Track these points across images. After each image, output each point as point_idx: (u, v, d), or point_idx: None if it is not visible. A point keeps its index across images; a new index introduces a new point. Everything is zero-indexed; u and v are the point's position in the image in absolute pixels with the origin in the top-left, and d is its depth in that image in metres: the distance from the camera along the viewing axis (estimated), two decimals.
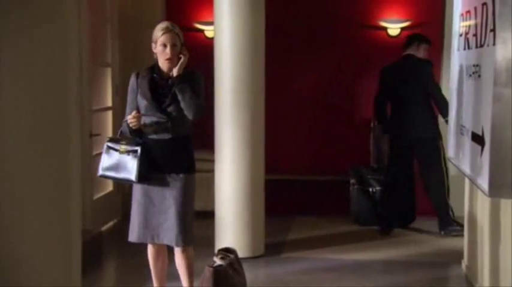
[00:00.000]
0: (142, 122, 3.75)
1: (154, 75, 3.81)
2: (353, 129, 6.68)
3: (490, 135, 2.76)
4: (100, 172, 3.82)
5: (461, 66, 3.76)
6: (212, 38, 5.38)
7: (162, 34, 3.73)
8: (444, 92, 5.72)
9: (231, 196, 5.15)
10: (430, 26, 6.54)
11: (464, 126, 3.53)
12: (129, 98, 3.88)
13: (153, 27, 3.84)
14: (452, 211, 5.79)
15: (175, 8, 6.78)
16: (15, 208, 2.33)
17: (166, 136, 3.77)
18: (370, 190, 6.22)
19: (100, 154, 3.89)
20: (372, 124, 6.50)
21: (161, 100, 3.78)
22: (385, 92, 5.99)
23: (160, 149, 3.77)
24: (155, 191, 3.79)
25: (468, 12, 3.52)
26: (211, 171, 5.37)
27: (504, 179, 2.67)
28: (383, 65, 6.14)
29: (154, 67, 3.84)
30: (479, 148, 2.99)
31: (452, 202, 5.84)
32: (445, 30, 6.29)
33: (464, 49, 3.64)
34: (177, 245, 3.80)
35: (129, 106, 3.86)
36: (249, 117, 5.12)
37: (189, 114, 3.76)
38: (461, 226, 5.26)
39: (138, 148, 3.71)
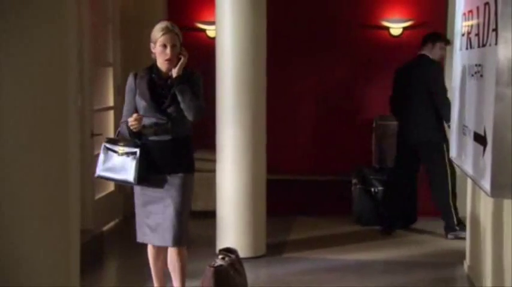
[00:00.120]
0: (141, 125, 3.71)
1: (153, 75, 3.78)
2: (355, 129, 6.66)
3: (492, 135, 2.74)
4: (98, 173, 3.79)
5: (463, 66, 3.75)
6: (214, 38, 5.37)
7: (162, 35, 3.69)
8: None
9: (233, 195, 5.14)
10: (432, 26, 6.51)
11: (466, 127, 3.52)
12: (127, 98, 3.83)
13: (154, 27, 3.80)
14: (456, 213, 5.73)
15: (177, 7, 6.78)
16: (13, 208, 2.33)
17: (166, 137, 3.74)
18: (372, 190, 6.21)
19: None
20: (373, 124, 6.48)
21: (160, 101, 3.74)
22: (397, 92, 5.96)
23: (159, 150, 3.75)
24: (154, 192, 3.76)
25: (470, 11, 3.51)
26: (212, 171, 5.36)
27: (506, 180, 2.66)
28: (385, 65, 6.13)
29: (153, 67, 3.80)
30: (482, 148, 2.98)
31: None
32: (447, 30, 6.27)
33: (467, 49, 3.63)
34: (172, 246, 3.77)
35: (127, 107, 3.82)
36: (251, 117, 5.11)
37: (189, 115, 3.73)
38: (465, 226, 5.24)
39: (137, 150, 3.68)
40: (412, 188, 6.07)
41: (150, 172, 3.72)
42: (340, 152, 6.65)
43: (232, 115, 5.11)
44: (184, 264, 3.83)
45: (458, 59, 3.98)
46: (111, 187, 6.09)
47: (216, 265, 3.78)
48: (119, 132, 3.85)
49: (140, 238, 3.88)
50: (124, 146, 3.71)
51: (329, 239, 5.77)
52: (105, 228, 5.84)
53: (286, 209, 6.45)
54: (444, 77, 5.87)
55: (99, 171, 3.78)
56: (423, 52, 5.83)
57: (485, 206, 4.22)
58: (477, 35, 3.24)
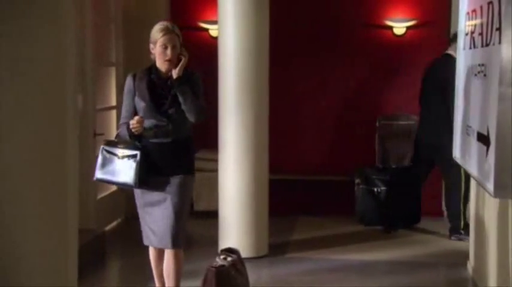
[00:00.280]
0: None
1: (152, 76, 3.72)
2: (358, 129, 6.64)
3: (495, 136, 2.73)
4: (96, 176, 3.74)
5: (467, 66, 3.73)
6: (217, 38, 5.35)
7: (163, 35, 3.64)
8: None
9: (235, 195, 5.13)
10: (436, 25, 6.50)
11: (470, 127, 3.50)
12: (126, 100, 3.77)
13: (153, 27, 3.73)
14: (465, 217, 5.68)
15: (180, 7, 6.77)
16: (11, 207, 2.32)
17: (166, 139, 3.69)
18: (375, 190, 6.19)
19: None
20: (377, 124, 6.47)
21: (160, 102, 3.69)
22: (422, 91, 5.91)
23: (160, 152, 3.69)
24: (154, 194, 3.72)
25: (474, 11, 3.49)
26: (214, 170, 5.36)
27: (510, 180, 2.64)
28: (388, 64, 6.09)
29: (152, 68, 3.74)
30: (485, 148, 2.96)
31: None
32: (451, 29, 6.24)
33: (470, 48, 3.61)
34: (170, 248, 3.72)
35: (126, 108, 3.76)
36: (253, 116, 5.10)
37: (191, 117, 3.68)
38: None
39: (138, 153, 3.62)
40: (416, 189, 6.05)
41: (150, 175, 3.67)
42: (343, 152, 6.63)
43: (234, 115, 5.10)
44: (180, 267, 3.78)
45: (461, 59, 3.96)
46: (113, 187, 6.07)
47: (218, 265, 3.76)
48: (117, 134, 3.80)
49: (145, 241, 3.85)
50: (124, 148, 3.65)
51: (332, 239, 5.75)
52: (107, 228, 5.83)
53: (289, 209, 6.43)
54: None
55: (98, 174, 3.73)
56: (449, 52, 5.65)
57: (489, 207, 4.19)
58: (481, 34, 3.22)
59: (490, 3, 2.96)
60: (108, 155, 3.67)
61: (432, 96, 5.65)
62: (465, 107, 3.73)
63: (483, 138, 3.02)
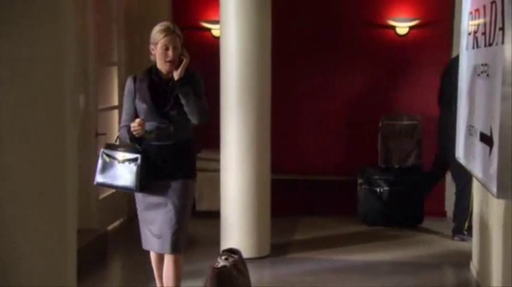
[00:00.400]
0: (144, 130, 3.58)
1: (153, 77, 3.65)
2: (361, 128, 6.63)
3: (498, 136, 2.71)
4: (96, 180, 3.67)
5: (470, 66, 3.71)
6: (219, 37, 5.34)
7: (164, 36, 3.57)
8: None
9: (237, 195, 5.12)
10: (439, 25, 6.48)
11: (473, 127, 3.48)
12: (126, 103, 3.70)
13: (154, 28, 3.67)
14: (470, 219, 5.64)
15: (182, 6, 6.76)
16: (11, 208, 2.32)
17: (168, 141, 3.63)
18: (378, 190, 6.18)
19: None
20: (379, 124, 6.45)
21: (162, 104, 3.62)
22: (441, 90, 5.87)
23: (161, 155, 3.63)
24: (155, 198, 3.66)
25: (477, 10, 3.47)
26: (216, 170, 5.35)
27: None
28: (391, 64, 6.06)
29: (152, 69, 3.68)
30: (488, 148, 2.94)
31: None
32: (454, 29, 6.22)
33: (473, 48, 3.59)
34: (169, 253, 3.67)
35: (126, 111, 3.70)
36: (255, 116, 5.09)
37: (193, 119, 3.62)
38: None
39: (139, 156, 3.56)
40: (419, 188, 6.03)
41: (151, 178, 3.61)
42: (346, 152, 6.62)
43: (236, 115, 5.09)
44: (179, 271, 3.73)
45: (464, 59, 3.94)
46: None
47: (219, 265, 3.75)
48: (118, 137, 3.73)
49: (145, 245, 3.80)
50: (124, 152, 3.59)
51: (334, 240, 5.74)
52: (110, 228, 5.83)
53: (291, 209, 6.42)
54: None
55: (98, 178, 3.66)
56: None
57: (492, 207, 4.17)
58: (484, 34, 3.21)
59: (493, 2, 2.94)
60: (108, 159, 3.60)
61: (447, 95, 5.60)
62: (468, 107, 3.72)
63: (486, 139, 3.00)
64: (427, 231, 6.01)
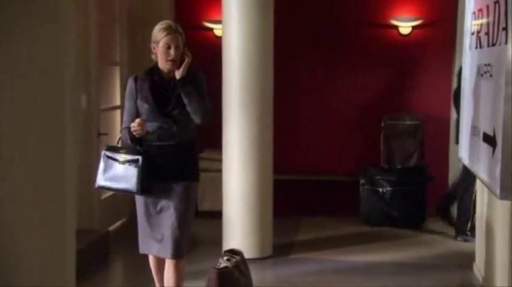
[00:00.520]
0: (145, 130, 3.51)
1: (155, 77, 3.59)
2: (363, 128, 6.61)
3: (501, 137, 2.69)
4: (98, 183, 3.60)
5: (473, 66, 3.70)
6: (221, 37, 5.33)
7: (166, 35, 3.51)
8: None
9: (239, 196, 5.11)
10: (442, 25, 6.46)
11: (476, 127, 3.47)
12: (128, 104, 3.64)
13: (155, 26, 3.62)
14: (473, 219, 5.62)
15: (184, 6, 6.75)
16: (10, 207, 2.32)
17: (170, 142, 3.56)
18: (380, 190, 6.16)
19: None
20: (382, 124, 6.43)
21: (164, 103, 3.56)
22: (458, 86, 5.83)
23: (163, 155, 3.56)
24: (156, 201, 3.60)
25: (480, 10, 3.46)
26: (219, 170, 5.33)
27: None
28: (394, 64, 6.04)
29: (154, 69, 3.62)
30: (491, 149, 2.93)
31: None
32: (457, 29, 6.20)
33: (476, 48, 3.57)
34: (171, 258, 3.61)
35: (128, 113, 3.63)
36: (257, 116, 5.08)
37: (196, 118, 3.56)
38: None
39: (140, 157, 3.49)
40: (422, 188, 6.01)
41: (153, 180, 3.54)
42: (348, 152, 6.60)
43: (238, 115, 5.08)
44: (180, 276, 3.68)
45: (468, 59, 3.93)
46: None
47: (221, 266, 3.74)
48: (119, 139, 3.66)
49: (145, 250, 3.71)
50: (125, 153, 3.52)
51: (336, 240, 5.73)
52: (111, 228, 5.82)
53: (293, 210, 6.41)
54: (451, 76, 5.79)
55: (99, 181, 3.59)
56: None
57: (495, 208, 4.15)
58: (487, 34, 3.19)
59: (496, 2, 2.92)
60: (109, 161, 3.53)
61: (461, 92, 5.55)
62: (471, 107, 3.70)
63: (489, 139, 2.99)
64: (430, 232, 6.00)
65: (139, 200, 3.66)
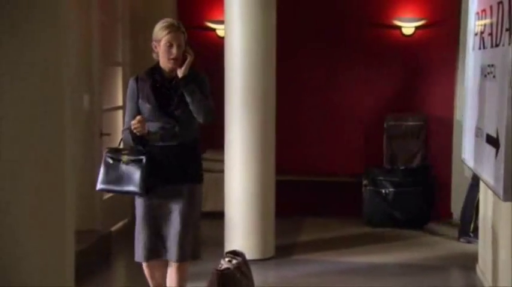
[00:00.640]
0: (146, 128, 3.43)
1: (156, 76, 3.52)
2: (366, 129, 6.60)
3: (505, 138, 2.67)
4: (99, 186, 3.47)
5: (476, 66, 3.68)
6: (224, 37, 5.32)
7: (168, 33, 3.43)
8: (460, 92, 5.62)
9: (241, 196, 5.10)
10: (445, 25, 6.44)
11: (479, 128, 3.45)
12: (129, 105, 3.57)
13: (157, 24, 3.54)
14: (476, 220, 5.60)
15: (187, 6, 6.75)
16: (11, 208, 2.31)
17: (173, 142, 3.48)
18: (383, 191, 6.14)
19: None
20: (385, 124, 6.41)
21: (166, 103, 3.49)
22: None
23: (166, 156, 3.48)
24: (161, 204, 3.51)
25: (484, 11, 3.44)
26: (221, 171, 5.32)
27: None
28: (397, 64, 6.02)
29: (155, 68, 3.55)
30: (494, 150, 2.91)
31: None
32: (460, 29, 6.18)
33: (480, 48, 3.56)
34: (175, 261, 3.55)
35: (129, 113, 3.56)
36: (260, 117, 5.07)
37: (199, 117, 3.49)
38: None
39: (143, 157, 3.41)
40: (428, 189, 5.99)
41: (156, 182, 3.46)
42: (351, 153, 6.59)
43: (240, 115, 5.07)
44: (183, 278, 3.61)
45: (471, 59, 3.91)
46: None
47: (222, 268, 3.72)
48: (121, 141, 3.58)
49: (140, 257, 3.56)
50: (128, 154, 3.43)
51: (339, 241, 5.71)
52: (113, 229, 5.81)
53: (296, 210, 6.39)
54: (455, 77, 5.77)
55: (101, 184, 3.46)
56: None
57: (499, 210, 4.13)
58: (490, 34, 3.17)
59: (500, 3, 2.91)
60: (111, 163, 3.43)
61: None
62: (475, 108, 3.68)
63: (492, 141, 2.97)
64: (433, 233, 5.98)
65: (141, 203, 3.55)
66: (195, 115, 3.50)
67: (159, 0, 6.54)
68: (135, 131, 3.42)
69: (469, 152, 3.86)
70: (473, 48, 3.83)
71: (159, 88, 3.53)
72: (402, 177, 6.13)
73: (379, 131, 6.44)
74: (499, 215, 4.13)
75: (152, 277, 3.70)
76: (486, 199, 4.60)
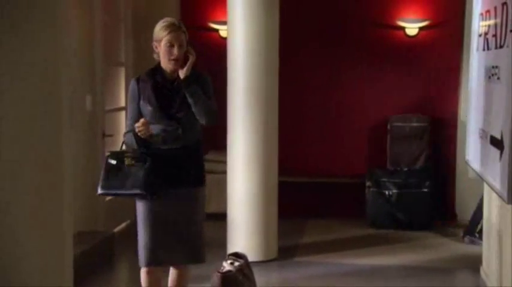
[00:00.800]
0: (150, 131, 3.37)
1: (157, 77, 3.46)
2: (369, 130, 6.58)
3: (509, 140, 2.65)
4: (100, 191, 3.40)
5: (480, 68, 3.66)
6: (227, 38, 5.31)
7: (169, 33, 3.36)
8: (464, 94, 5.59)
9: (244, 198, 5.09)
10: (449, 26, 6.41)
11: (483, 130, 3.43)
12: (130, 107, 3.50)
13: (157, 24, 3.48)
14: (481, 223, 5.58)
15: (190, 7, 6.74)
16: (11, 209, 2.31)
17: (176, 145, 3.43)
18: (386, 193, 6.12)
19: None
20: (388, 126, 6.39)
21: (168, 105, 3.43)
22: None
23: (168, 159, 3.41)
24: (164, 207, 3.46)
25: (488, 11, 3.42)
26: (224, 172, 5.31)
27: None
28: (400, 65, 6.00)
29: (156, 69, 3.48)
30: (499, 152, 2.89)
31: (468, 206, 5.69)
32: (464, 30, 6.15)
33: (484, 50, 3.53)
34: (179, 265, 3.54)
35: (130, 115, 3.50)
36: (262, 118, 5.06)
37: (202, 119, 3.43)
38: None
39: (147, 159, 3.34)
40: (434, 190, 5.97)
41: (159, 185, 3.39)
42: (354, 154, 6.57)
43: (243, 116, 5.05)
44: (185, 280, 3.59)
45: (475, 60, 3.89)
46: None
47: (224, 270, 3.71)
48: (123, 143, 3.51)
49: (145, 261, 3.51)
50: (131, 157, 3.36)
51: (342, 243, 5.69)
52: (116, 230, 5.81)
53: (299, 212, 6.37)
54: (459, 78, 5.75)
55: (101, 188, 3.39)
56: None
57: (502, 212, 4.11)
58: (494, 35, 3.15)
59: (504, 4, 2.89)
60: (114, 167, 3.36)
61: None
62: (479, 109, 3.66)
63: (496, 142, 2.95)
64: (437, 234, 5.95)
65: (143, 206, 3.49)
66: (197, 117, 3.44)
67: (162, 0, 6.54)
68: (139, 133, 3.36)
69: (473, 153, 3.84)
70: (478, 50, 3.81)
71: (160, 89, 3.46)
72: (406, 178, 6.11)
73: (383, 132, 6.42)
74: (504, 217, 4.10)
75: (148, 283, 3.62)
76: (490, 201, 4.57)
